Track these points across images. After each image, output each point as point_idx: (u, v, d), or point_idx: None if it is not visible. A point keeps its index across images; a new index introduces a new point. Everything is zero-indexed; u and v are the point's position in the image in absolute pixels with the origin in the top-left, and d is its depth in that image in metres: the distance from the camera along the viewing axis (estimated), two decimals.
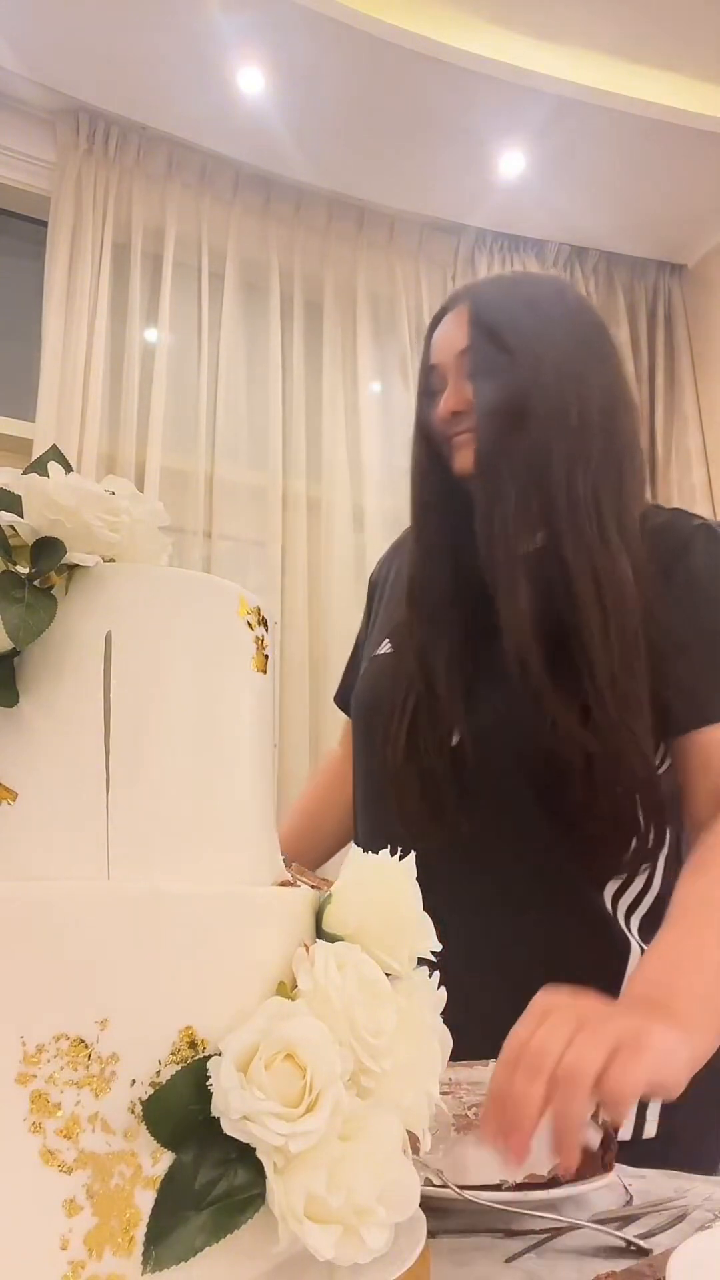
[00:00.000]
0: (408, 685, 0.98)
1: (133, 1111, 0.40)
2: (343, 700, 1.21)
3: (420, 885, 0.52)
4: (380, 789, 0.99)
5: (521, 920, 0.91)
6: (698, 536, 0.96)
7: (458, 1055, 0.57)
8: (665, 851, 0.94)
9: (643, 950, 0.90)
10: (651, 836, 0.90)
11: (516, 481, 0.93)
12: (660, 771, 0.93)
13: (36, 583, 0.49)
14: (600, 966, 0.87)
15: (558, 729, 0.87)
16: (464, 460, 0.99)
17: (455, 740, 0.95)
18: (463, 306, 1.02)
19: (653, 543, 0.95)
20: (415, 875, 0.52)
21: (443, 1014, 0.53)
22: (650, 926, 0.88)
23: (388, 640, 1.07)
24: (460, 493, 1.00)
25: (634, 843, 0.90)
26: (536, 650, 0.89)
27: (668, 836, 0.94)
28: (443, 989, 0.53)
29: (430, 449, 1.04)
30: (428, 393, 1.04)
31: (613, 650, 0.88)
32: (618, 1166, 0.70)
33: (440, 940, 0.52)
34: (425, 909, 0.52)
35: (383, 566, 1.25)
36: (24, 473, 0.52)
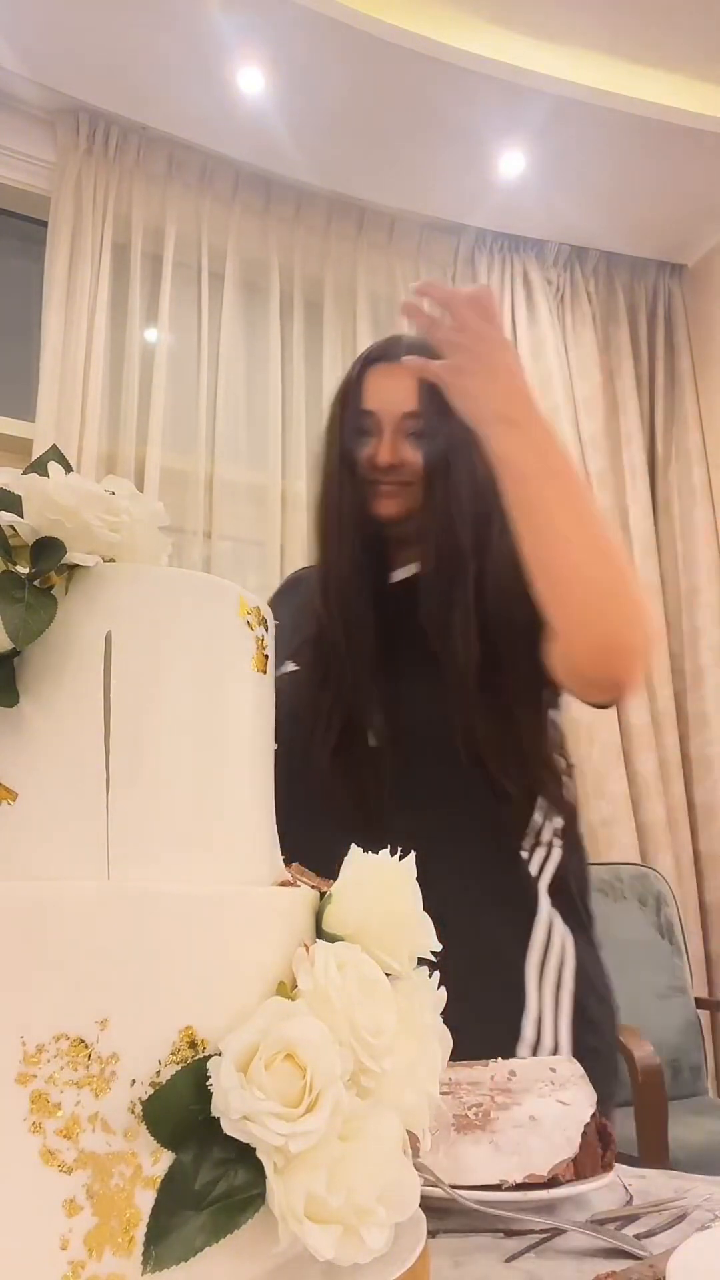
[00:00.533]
0: (335, 694, 1.05)
1: (133, 1111, 0.40)
2: None
3: None
4: (306, 797, 1.03)
5: (455, 894, 0.97)
6: None
7: None
8: (564, 826, 1.06)
9: (552, 909, 1.02)
10: (557, 804, 1.04)
11: (462, 552, 1.05)
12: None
13: (36, 583, 0.49)
14: (517, 930, 1.00)
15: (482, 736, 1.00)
16: (388, 507, 1.09)
17: (378, 738, 1.02)
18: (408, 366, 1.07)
19: None
20: (415, 875, 0.52)
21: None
22: (554, 893, 1.02)
23: (290, 660, 1.12)
24: (371, 524, 1.11)
25: (538, 814, 1.03)
26: (478, 695, 1.00)
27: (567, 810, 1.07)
28: (443, 989, 0.53)
29: (354, 484, 1.11)
30: (357, 431, 1.10)
31: (537, 680, 0.99)
32: (618, 1166, 0.70)
33: None
34: None
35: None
36: (24, 473, 0.52)
